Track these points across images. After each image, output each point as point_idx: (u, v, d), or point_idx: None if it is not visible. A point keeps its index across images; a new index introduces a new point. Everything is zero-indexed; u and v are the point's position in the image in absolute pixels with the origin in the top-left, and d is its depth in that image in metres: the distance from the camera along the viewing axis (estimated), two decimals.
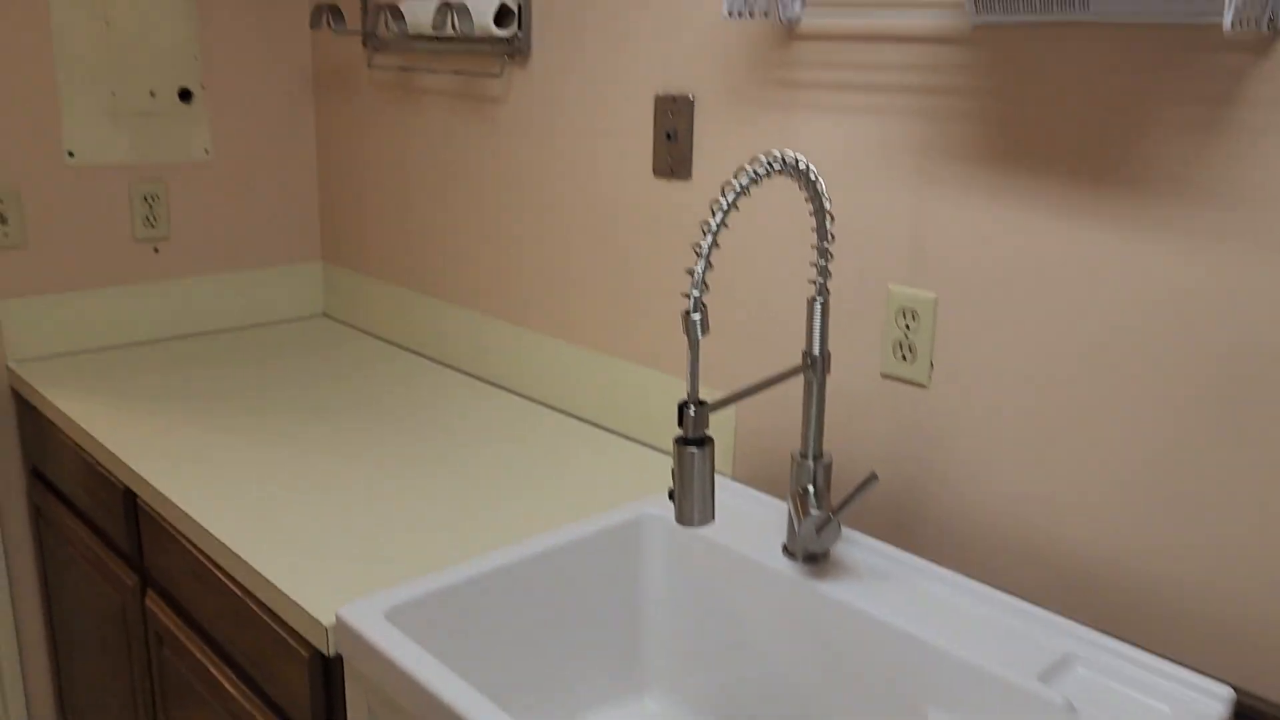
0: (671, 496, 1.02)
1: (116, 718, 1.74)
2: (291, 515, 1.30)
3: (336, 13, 1.85)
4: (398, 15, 1.76)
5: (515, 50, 1.66)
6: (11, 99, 1.81)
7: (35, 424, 1.83)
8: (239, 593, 1.25)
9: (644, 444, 1.57)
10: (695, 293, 0.95)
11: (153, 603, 1.51)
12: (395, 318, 2.05)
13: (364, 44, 2.00)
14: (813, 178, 1.04)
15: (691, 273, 0.95)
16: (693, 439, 1.00)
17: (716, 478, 1.43)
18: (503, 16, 1.65)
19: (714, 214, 0.96)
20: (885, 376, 1.25)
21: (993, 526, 1.18)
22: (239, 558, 1.21)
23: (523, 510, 1.33)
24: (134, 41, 1.92)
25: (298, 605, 1.11)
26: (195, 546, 1.34)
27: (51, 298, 1.90)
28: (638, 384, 1.56)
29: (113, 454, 1.50)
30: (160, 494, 1.37)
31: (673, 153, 1.45)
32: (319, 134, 2.19)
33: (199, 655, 1.38)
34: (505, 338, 1.79)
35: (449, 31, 1.70)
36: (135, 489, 1.46)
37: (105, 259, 1.96)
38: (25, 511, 1.96)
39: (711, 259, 1.17)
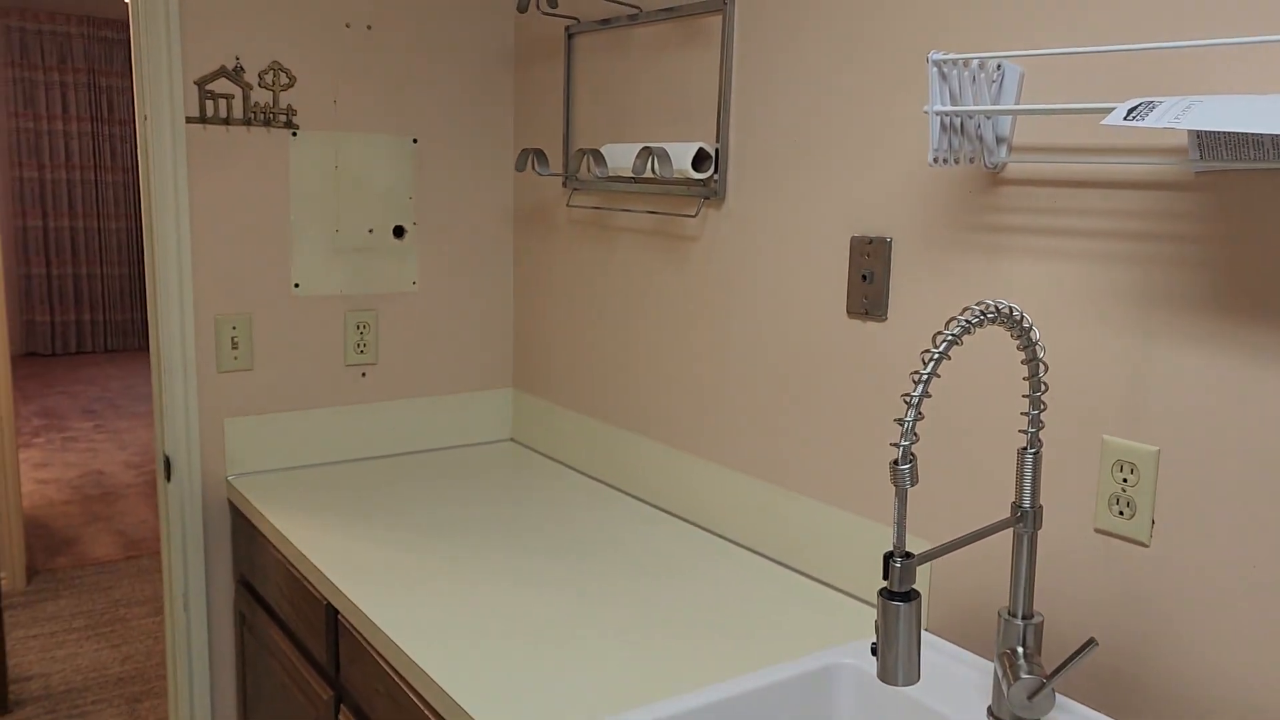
0: (875, 651, 0.99)
1: None
2: (485, 642, 1.32)
3: (541, 156, 1.97)
4: (599, 159, 1.85)
5: (711, 192, 1.72)
6: (254, 237, 1.99)
7: (247, 535, 1.94)
8: (432, 717, 1.27)
9: (838, 589, 1.53)
10: (905, 443, 0.93)
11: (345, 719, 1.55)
12: (581, 445, 2.10)
13: (564, 184, 2.11)
14: (1027, 326, 1.02)
15: (901, 422, 0.94)
16: (898, 593, 0.97)
17: None
18: (700, 160, 1.71)
19: (925, 363, 0.95)
20: (1100, 532, 1.18)
21: (1218, 704, 1.08)
22: (435, 683, 1.23)
23: (713, 651, 1.31)
24: (358, 184, 2.09)
25: None
26: (391, 667, 1.38)
27: (270, 417, 2.04)
28: (830, 526, 1.53)
29: (317, 568, 1.57)
30: (360, 612, 1.43)
31: (868, 294, 1.45)
32: (516, 267, 2.30)
33: None
34: (691, 471, 1.80)
35: (648, 174, 1.78)
36: (336, 604, 1.52)
37: (319, 382, 2.10)
38: (231, 619, 2.06)
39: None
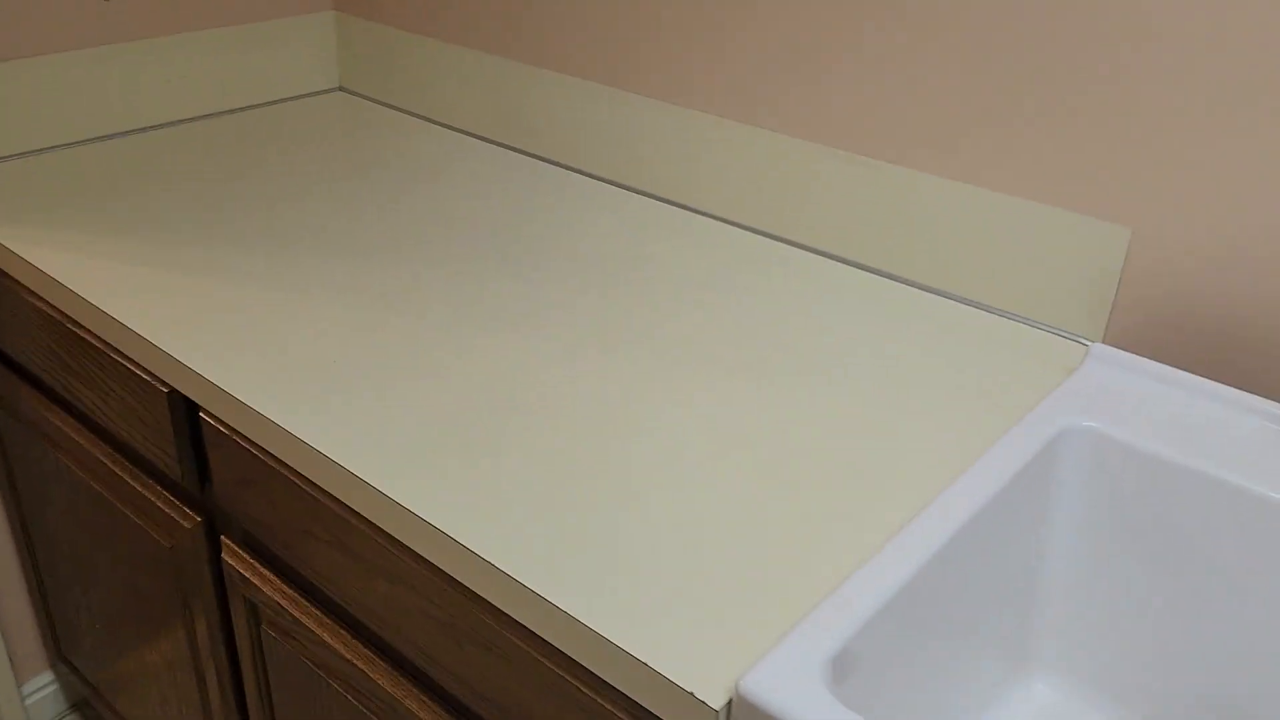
0: None
1: (163, 676, 1.26)
2: (476, 447, 0.79)
3: None
4: None
5: None
6: None
7: None
8: (430, 577, 0.76)
9: (983, 307, 1.09)
10: None
11: (235, 559, 1.00)
12: (457, 93, 1.45)
13: None
14: None
15: None
16: None
17: (1082, 341, 0.97)
18: None
19: None
20: None
21: None
22: (448, 537, 0.71)
23: (836, 415, 0.85)
24: None
25: (646, 668, 0.63)
26: (342, 505, 0.83)
27: None
28: (984, 217, 1.05)
29: (152, 345, 0.94)
30: (270, 423, 0.84)
31: None
32: None
33: (344, 651, 0.90)
34: (669, 125, 1.24)
35: None
36: (198, 400, 0.91)
37: (39, 10, 1.28)
38: None
39: None
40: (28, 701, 1.56)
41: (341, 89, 1.64)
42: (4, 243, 1.09)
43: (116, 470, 1.12)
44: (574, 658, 0.67)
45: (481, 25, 1.40)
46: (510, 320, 0.99)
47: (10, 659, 1.52)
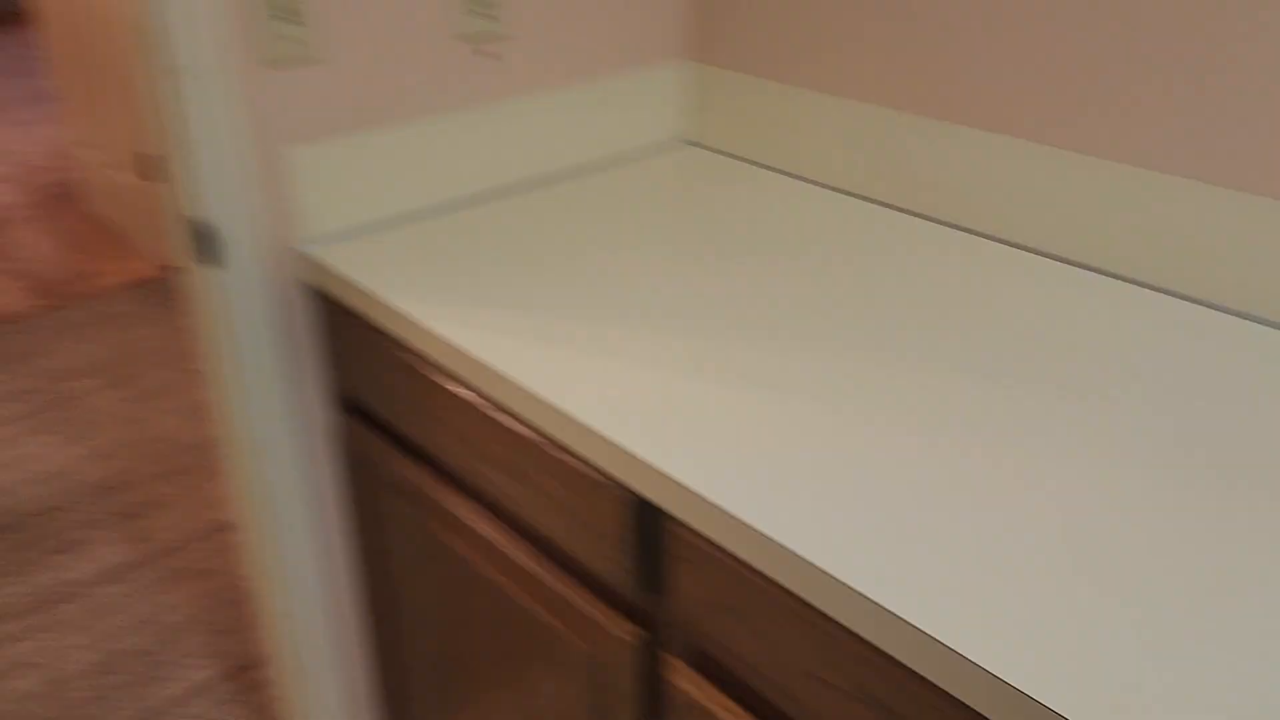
0: None
1: None
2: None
3: None
4: None
5: None
6: None
7: (354, 341, 1.17)
8: None
9: None
10: None
11: (690, 684, 0.88)
12: (826, 144, 1.32)
13: None
14: None
15: None
16: None
17: None
18: None
19: None
20: None
21: None
22: None
23: None
24: None
25: None
26: (890, 660, 0.70)
27: (356, 139, 1.20)
28: None
29: (610, 442, 0.84)
30: (763, 537, 0.72)
31: None
32: None
33: None
34: (1101, 183, 1.07)
35: None
36: (668, 507, 0.80)
37: (416, 71, 1.23)
38: (336, 466, 1.33)
39: None
40: None
41: (688, 142, 1.54)
42: (420, 321, 1.03)
43: (527, 564, 1.03)
44: None
45: (857, 70, 1.27)
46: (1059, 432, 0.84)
47: None
